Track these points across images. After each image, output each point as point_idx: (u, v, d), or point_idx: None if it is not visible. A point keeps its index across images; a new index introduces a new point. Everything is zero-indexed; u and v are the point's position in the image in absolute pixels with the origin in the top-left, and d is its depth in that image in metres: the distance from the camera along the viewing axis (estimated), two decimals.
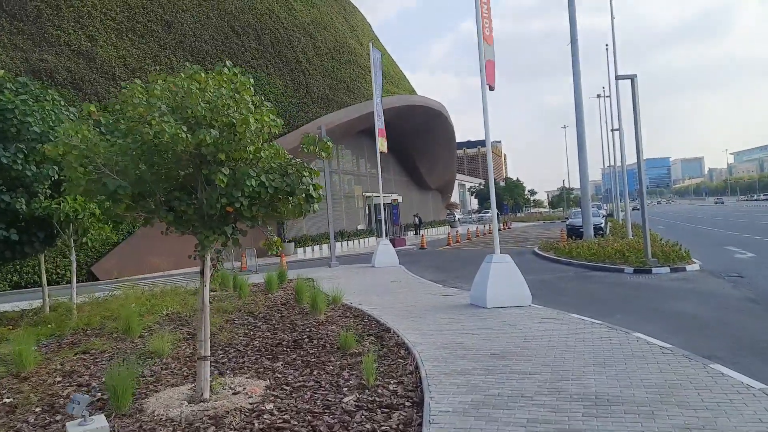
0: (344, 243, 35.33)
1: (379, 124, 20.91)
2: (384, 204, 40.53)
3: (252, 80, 6.03)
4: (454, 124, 54.19)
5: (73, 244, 11.12)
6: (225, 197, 5.51)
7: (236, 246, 6.16)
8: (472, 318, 9.45)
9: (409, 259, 24.08)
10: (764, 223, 35.33)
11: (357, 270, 19.79)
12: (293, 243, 30.80)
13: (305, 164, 6.04)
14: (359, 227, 41.35)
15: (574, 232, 29.11)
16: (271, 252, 6.61)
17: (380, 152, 21.66)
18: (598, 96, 59.55)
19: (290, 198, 5.84)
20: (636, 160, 17.60)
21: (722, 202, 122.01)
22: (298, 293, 11.81)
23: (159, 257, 24.38)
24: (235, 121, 5.44)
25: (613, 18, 27.92)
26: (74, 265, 11.45)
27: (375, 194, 43.50)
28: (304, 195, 5.86)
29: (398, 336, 8.16)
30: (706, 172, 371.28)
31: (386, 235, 39.68)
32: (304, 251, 31.13)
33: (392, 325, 9.01)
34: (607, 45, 38.89)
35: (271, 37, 31.59)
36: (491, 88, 11.19)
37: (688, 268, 15.46)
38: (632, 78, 15.98)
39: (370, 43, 20.52)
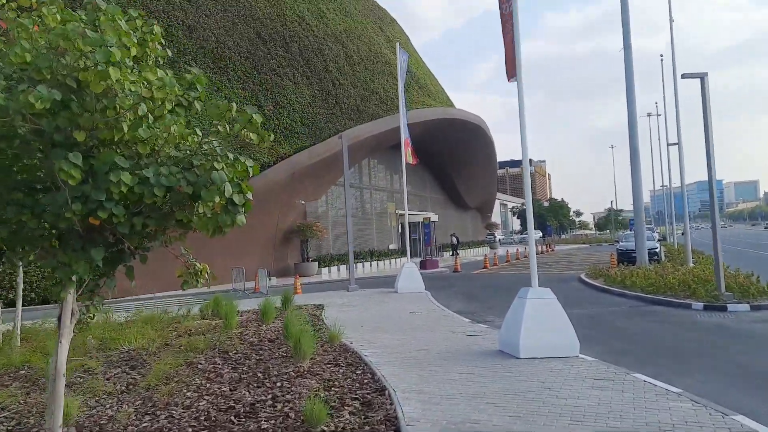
0: (373, 263, 33.15)
1: (405, 133, 18.78)
2: (417, 223, 38.21)
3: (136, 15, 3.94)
4: (497, 144, 51.64)
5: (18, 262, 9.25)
6: (79, 201, 3.40)
7: (111, 287, 4.07)
8: (498, 374, 7.09)
9: (439, 284, 21.70)
10: None
11: (377, 295, 17.54)
12: (317, 263, 28.78)
13: (227, 152, 3.91)
14: (391, 246, 39.12)
15: (626, 257, 26.24)
16: (185, 287, 4.51)
17: (408, 165, 19.60)
18: (649, 115, 56.09)
19: (196, 203, 3.72)
20: (701, 179, 14.95)
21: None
22: (287, 329, 9.64)
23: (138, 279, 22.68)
24: (78, 76, 3.34)
25: (671, 21, 25.23)
26: (20, 286, 9.59)
27: (409, 212, 41.27)
28: (218, 199, 3.72)
29: (391, 404, 5.87)
30: (761, 196, 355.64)
31: (416, 256, 37.37)
32: (329, 271, 29.06)
33: (390, 382, 6.74)
34: (662, 56, 36.08)
35: (299, 45, 30.00)
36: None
37: None
38: (702, 77, 13.42)
39: (397, 43, 18.51)
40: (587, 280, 20.34)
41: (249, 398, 6.37)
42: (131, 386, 7.08)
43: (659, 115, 46.57)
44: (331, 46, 32.24)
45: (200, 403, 6.25)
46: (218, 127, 4.11)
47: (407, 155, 18.78)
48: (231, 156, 3.94)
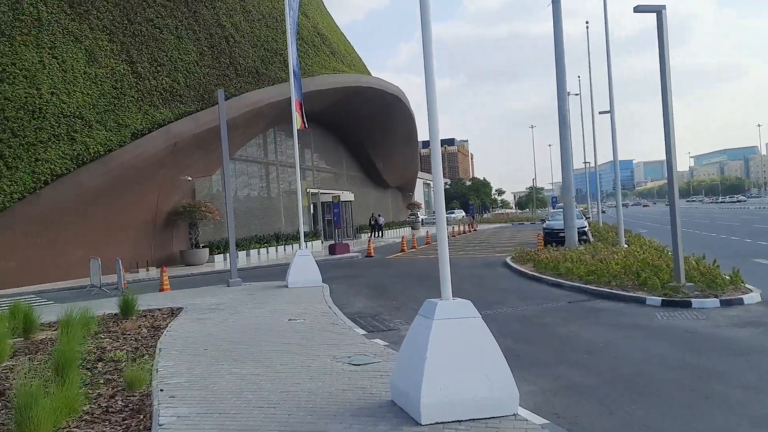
0: (279, 248, 29.41)
1: (298, 94, 15.15)
2: (331, 203, 34.79)
3: None
4: (420, 124, 48.63)
5: None
6: None
7: None
8: None
9: (344, 273, 18.37)
10: None
11: (260, 292, 13.97)
12: (207, 249, 24.75)
13: None
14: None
15: (554, 238, 23.94)
16: None
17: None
18: (570, 94, 54.79)
19: None
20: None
21: (695, 202, 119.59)
22: (63, 367, 5.92)
23: (11, 267, 18.16)
24: None
25: None
26: None
27: (322, 191, 37.67)
28: None
29: None
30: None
31: (331, 239, 33.82)
32: (224, 259, 25.09)
33: None
34: (587, 22, 34.10)
35: None
36: None
37: (746, 298, 10.12)
38: (659, 10, 10.60)
39: None
40: (514, 265, 17.60)
41: None
42: None
43: (577, 94, 44.93)
44: None
45: None
46: None
47: (297, 120, 15.15)
48: None
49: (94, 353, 7.65)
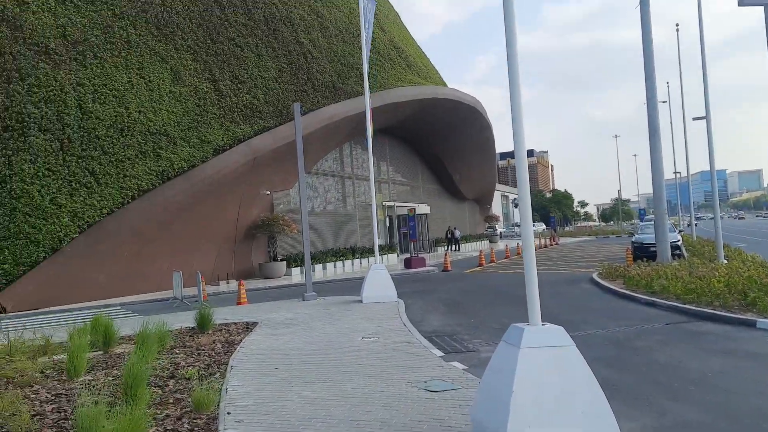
0: (355, 261, 29.33)
1: (370, 102, 14.90)
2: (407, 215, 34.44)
3: None
4: (498, 136, 47.64)
5: None
6: None
7: None
8: None
9: (419, 288, 17.89)
10: None
11: (335, 307, 13.73)
12: (285, 262, 24.96)
13: None
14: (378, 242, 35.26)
15: (644, 252, 22.44)
16: None
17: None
18: (664, 102, 52.02)
19: None
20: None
21: None
22: (126, 391, 5.79)
23: (100, 279, 18.92)
24: None
25: None
26: None
27: (398, 204, 37.45)
28: None
29: None
30: (766, 185, 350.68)
31: (406, 252, 33.36)
32: (301, 272, 25.22)
33: None
34: (677, 24, 32.26)
35: (264, 12, 26.08)
36: None
37: None
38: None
39: None
40: (602, 281, 16.53)
41: None
42: None
43: (665, 102, 42.41)
44: (303, 14, 28.29)
45: None
46: None
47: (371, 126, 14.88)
48: None
49: (167, 369, 7.57)
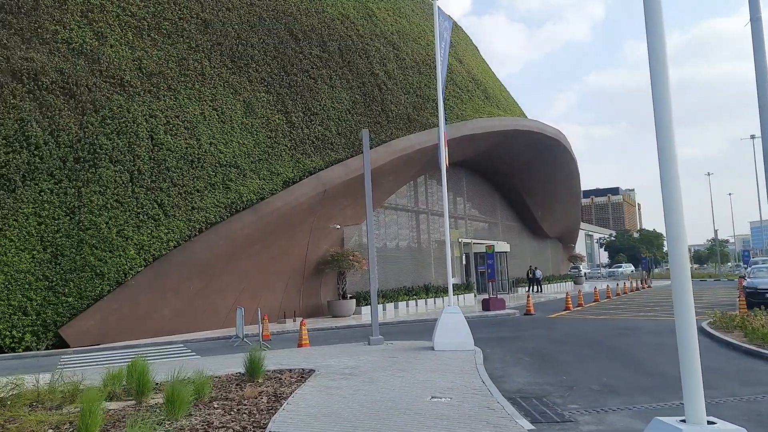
0: (429, 301, 27.70)
1: (444, 127, 13.58)
2: (481, 253, 32.54)
3: None
4: (580, 174, 45.02)
5: None
6: None
7: None
8: None
9: (500, 334, 16.06)
10: None
11: (402, 354, 12.22)
12: (355, 300, 23.73)
13: None
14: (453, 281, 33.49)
15: (759, 299, 19.60)
16: None
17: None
18: (753, 137, 47.80)
19: None
20: None
21: None
22: None
23: (165, 314, 18.33)
24: None
25: None
26: None
27: (475, 241, 35.63)
28: None
29: None
30: None
31: (484, 292, 31.24)
32: None
33: None
34: None
35: (339, 44, 25.62)
36: None
37: None
38: None
39: (435, 4, 13.33)
40: (716, 333, 14.13)
41: None
42: None
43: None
44: (380, 47, 27.67)
45: None
46: None
47: (445, 155, 13.51)
48: None
49: (197, 431, 6.33)
